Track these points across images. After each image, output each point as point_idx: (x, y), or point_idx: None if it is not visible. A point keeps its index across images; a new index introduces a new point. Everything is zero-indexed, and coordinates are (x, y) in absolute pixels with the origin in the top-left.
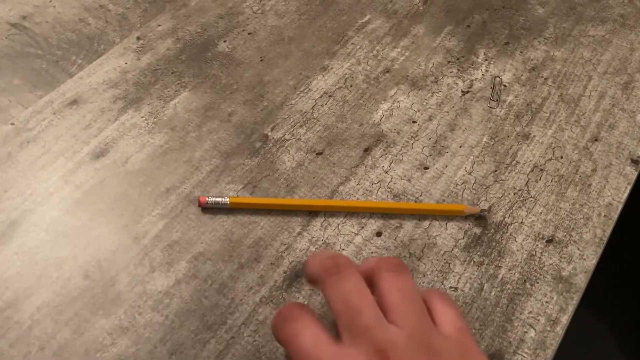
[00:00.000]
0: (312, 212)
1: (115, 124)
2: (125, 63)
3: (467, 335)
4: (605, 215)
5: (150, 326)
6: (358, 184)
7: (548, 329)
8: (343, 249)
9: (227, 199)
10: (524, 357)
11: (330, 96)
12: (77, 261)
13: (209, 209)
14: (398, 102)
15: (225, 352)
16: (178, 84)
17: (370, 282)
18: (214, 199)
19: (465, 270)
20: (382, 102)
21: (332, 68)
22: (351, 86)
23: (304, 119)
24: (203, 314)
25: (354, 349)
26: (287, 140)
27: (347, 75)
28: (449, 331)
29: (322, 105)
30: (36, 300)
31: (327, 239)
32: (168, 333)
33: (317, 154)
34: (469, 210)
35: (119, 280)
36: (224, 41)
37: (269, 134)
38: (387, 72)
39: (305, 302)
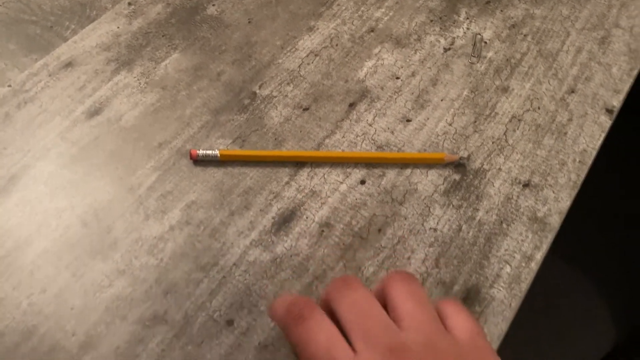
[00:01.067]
0: (299, 163)
1: (109, 85)
2: (117, 27)
3: (482, 339)
4: (580, 161)
5: (146, 268)
6: (343, 136)
7: (523, 265)
8: (329, 196)
9: (217, 152)
10: (500, 290)
11: (316, 55)
12: (75, 211)
13: (200, 161)
14: (382, 59)
15: (217, 290)
16: (169, 46)
17: (383, 299)
18: (204, 151)
19: (444, 213)
20: (367, 59)
21: (318, 28)
22: (337, 45)
23: (291, 77)
24: (196, 257)
25: (367, 356)
26: (275, 97)
27: (332, 35)
28: (463, 336)
29: (308, 64)
30: (37, 247)
31: (313, 187)
32: (163, 274)
33: (303, 109)
34: (449, 158)
35: (115, 228)
36: (213, 5)
37: (257, 91)
38: (372, 31)
39: (294, 245)
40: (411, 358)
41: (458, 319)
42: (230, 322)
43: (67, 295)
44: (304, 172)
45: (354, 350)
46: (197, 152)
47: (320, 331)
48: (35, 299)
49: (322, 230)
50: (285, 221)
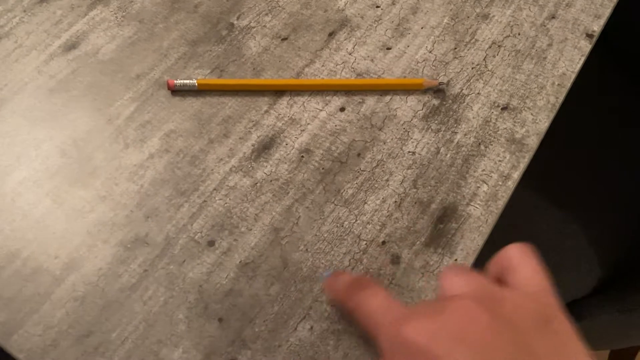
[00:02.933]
0: (278, 92)
1: (85, 19)
2: None
3: (550, 295)
4: (558, 84)
5: (127, 194)
6: (323, 65)
7: (500, 183)
8: (308, 124)
9: (194, 81)
10: (477, 208)
11: None
12: (54, 141)
13: (178, 91)
14: None
15: (198, 214)
16: None
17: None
18: (182, 81)
19: (423, 136)
20: None
21: None
22: None
23: (269, 7)
24: (176, 183)
25: (421, 307)
26: (253, 27)
27: None
28: (529, 288)
29: None
30: (17, 176)
31: (293, 115)
32: (144, 199)
33: (282, 39)
34: (428, 83)
35: (95, 157)
36: None
37: (235, 22)
38: None
39: (274, 170)
40: (474, 303)
41: (527, 266)
42: (211, 243)
43: (49, 221)
44: (284, 101)
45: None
46: (175, 82)
47: (379, 294)
48: (17, 225)
49: (302, 156)
50: (265, 148)
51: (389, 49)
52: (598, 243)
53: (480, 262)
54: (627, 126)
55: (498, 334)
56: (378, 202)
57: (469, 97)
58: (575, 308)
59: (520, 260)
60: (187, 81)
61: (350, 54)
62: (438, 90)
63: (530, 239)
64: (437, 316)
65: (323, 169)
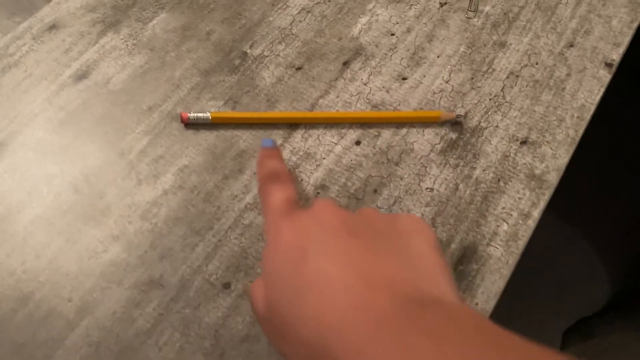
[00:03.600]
0: (292, 125)
1: (96, 47)
2: None
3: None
4: (578, 117)
5: (140, 233)
6: (337, 96)
7: (520, 222)
8: (324, 158)
9: (208, 114)
10: (497, 248)
11: (308, 12)
12: (66, 177)
13: (191, 124)
14: (377, 15)
15: (213, 254)
16: (156, 5)
17: None
18: (195, 114)
19: (441, 172)
20: (361, 15)
21: None
22: (329, 1)
23: (283, 35)
24: (191, 221)
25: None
26: (266, 56)
27: None
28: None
29: (300, 21)
30: (29, 214)
31: (308, 149)
32: (157, 239)
33: (296, 69)
34: (445, 115)
35: (108, 193)
36: None
37: (248, 51)
38: None
39: None
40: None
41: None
42: (227, 285)
43: (62, 262)
44: (298, 134)
45: None
46: (188, 114)
47: (284, 192)
48: (30, 266)
49: (318, 192)
50: None
51: (404, 79)
52: (608, 259)
53: (501, 303)
54: (639, 139)
55: (353, 226)
56: None
57: (487, 130)
58: (584, 326)
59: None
60: (201, 114)
61: (365, 85)
62: (455, 123)
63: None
64: (308, 216)
65: (339, 206)
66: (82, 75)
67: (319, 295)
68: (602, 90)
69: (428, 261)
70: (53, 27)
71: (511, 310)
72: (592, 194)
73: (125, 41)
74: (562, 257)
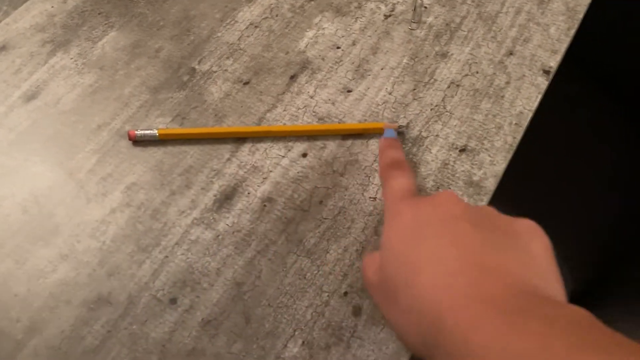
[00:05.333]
0: (240, 139)
1: (45, 67)
2: (52, 7)
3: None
4: (516, 124)
5: (89, 252)
6: (284, 110)
7: None
8: (271, 171)
9: (155, 131)
10: None
11: (256, 27)
12: (15, 199)
13: (139, 142)
14: (323, 29)
15: (160, 270)
16: (105, 24)
17: None
18: (143, 131)
19: None
20: (308, 29)
21: None
22: (277, 16)
23: (231, 51)
24: (138, 238)
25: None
26: (215, 72)
27: (272, 6)
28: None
29: (248, 36)
30: None
31: (255, 162)
32: (106, 257)
33: (244, 83)
34: (388, 127)
35: (57, 213)
36: None
37: (197, 67)
38: (312, 0)
39: (236, 221)
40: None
41: None
42: (173, 301)
43: (11, 283)
44: (245, 148)
45: None
46: (136, 132)
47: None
48: None
49: (265, 205)
50: (227, 198)
51: (349, 91)
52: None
53: None
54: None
55: (475, 217)
56: (340, 251)
57: (427, 140)
58: None
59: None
60: (148, 132)
61: (311, 98)
62: (399, 133)
63: None
64: (429, 202)
65: (285, 218)
66: (31, 96)
67: (434, 273)
68: (540, 96)
69: (544, 264)
70: (2, 48)
71: None
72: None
73: (75, 60)
74: None
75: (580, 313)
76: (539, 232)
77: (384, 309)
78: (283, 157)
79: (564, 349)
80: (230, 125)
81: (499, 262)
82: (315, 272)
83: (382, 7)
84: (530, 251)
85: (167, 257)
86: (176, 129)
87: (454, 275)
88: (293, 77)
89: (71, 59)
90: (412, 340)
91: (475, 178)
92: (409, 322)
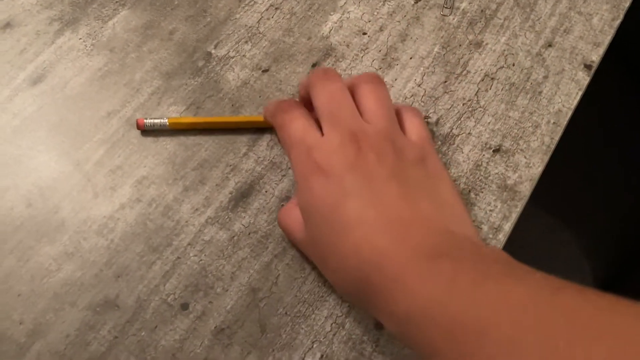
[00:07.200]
0: (257, 132)
1: (52, 48)
2: None
3: (429, 143)
4: (554, 123)
5: (96, 250)
6: None
7: (490, 236)
8: (289, 168)
9: (166, 120)
10: None
11: (277, 9)
12: (19, 190)
13: (149, 131)
14: (348, 12)
15: (171, 272)
16: (116, 2)
17: (352, 93)
18: (152, 120)
19: None
20: (332, 13)
21: None
22: None
23: (249, 34)
24: (148, 237)
25: (332, 136)
26: (232, 57)
27: None
28: (414, 137)
29: (268, 19)
30: None
31: (273, 158)
32: (113, 256)
33: (263, 71)
34: None
35: (62, 207)
36: None
37: (213, 51)
38: None
39: (252, 221)
40: (367, 143)
41: (413, 123)
42: (185, 306)
43: (13, 282)
44: (264, 142)
45: (322, 135)
46: (145, 121)
47: (299, 120)
48: None
49: (282, 205)
50: (243, 196)
51: None
52: (590, 251)
53: None
54: (624, 130)
55: (382, 161)
56: None
57: (459, 138)
58: None
59: (407, 116)
60: (158, 120)
61: None
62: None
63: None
64: (338, 147)
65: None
66: (37, 79)
67: (358, 234)
68: (580, 94)
69: (455, 208)
70: (7, 25)
71: None
72: (575, 184)
73: (83, 41)
74: (542, 249)
75: (492, 249)
76: (443, 173)
77: (316, 263)
78: None
79: (469, 283)
80: (248, 115)
81: (417, 213)
82: None
83: None
84: (440, 196)
85: (179, 258)
86: (188, 118)
87: (376, 233)
88: (315, 65)
89: (80, 39)
90: (343, 292)
91: (509, 182)
92: (338, 278)
